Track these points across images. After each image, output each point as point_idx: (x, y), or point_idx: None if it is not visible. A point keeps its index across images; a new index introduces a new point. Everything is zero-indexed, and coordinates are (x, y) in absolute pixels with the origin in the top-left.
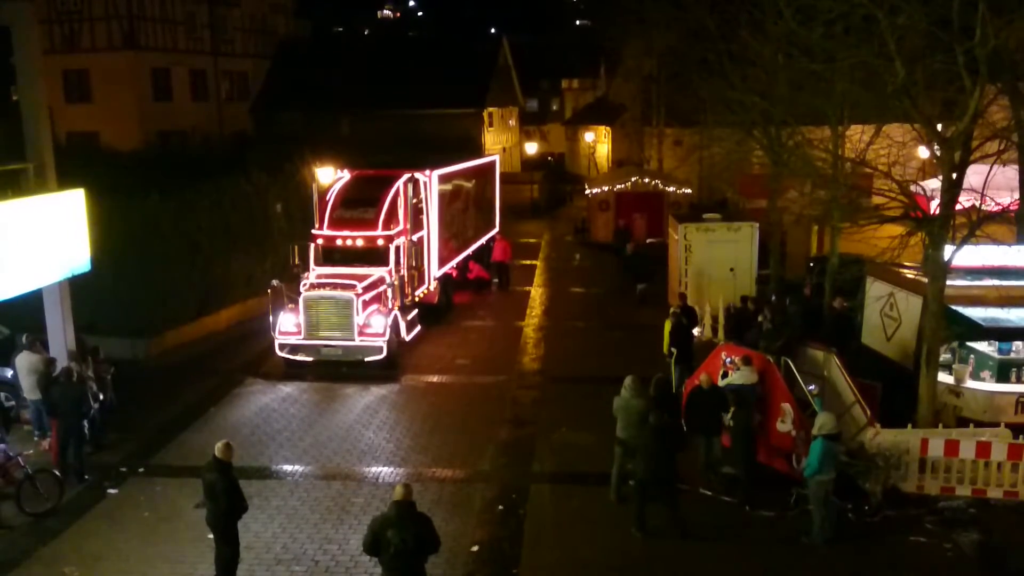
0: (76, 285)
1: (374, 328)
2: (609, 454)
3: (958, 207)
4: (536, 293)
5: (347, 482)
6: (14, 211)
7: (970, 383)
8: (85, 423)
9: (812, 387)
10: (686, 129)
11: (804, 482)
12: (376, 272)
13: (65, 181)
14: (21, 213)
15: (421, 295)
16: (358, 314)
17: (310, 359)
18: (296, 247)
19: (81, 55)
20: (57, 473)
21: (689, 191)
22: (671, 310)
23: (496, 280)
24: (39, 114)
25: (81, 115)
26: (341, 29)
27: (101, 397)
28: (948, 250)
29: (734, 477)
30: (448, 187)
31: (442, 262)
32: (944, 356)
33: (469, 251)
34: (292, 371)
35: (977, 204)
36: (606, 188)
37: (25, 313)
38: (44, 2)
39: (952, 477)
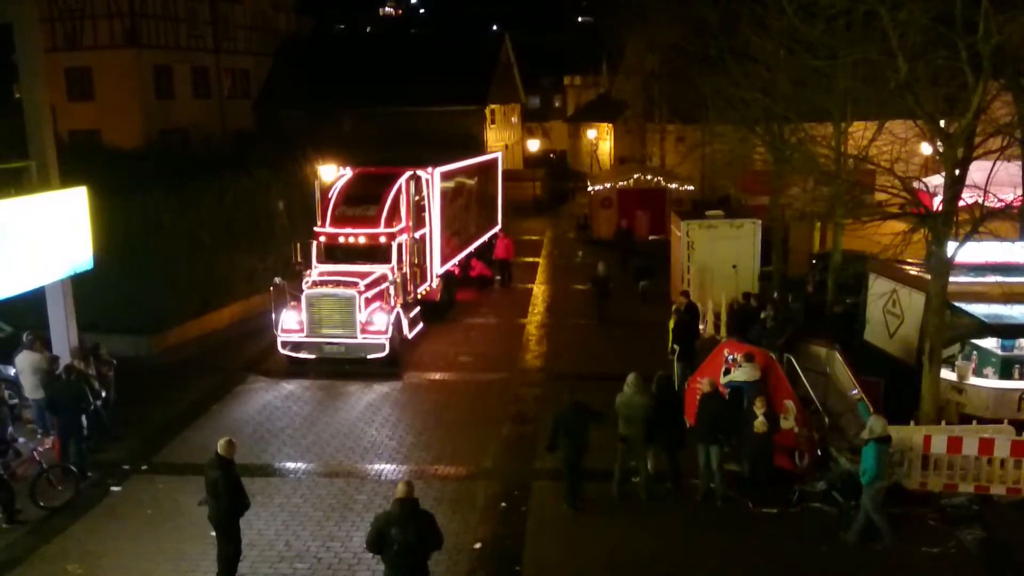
0: (79, 283)
1: (376, 326)
2: (611, 451)
3: (961, 203)
4: (538, 290)
5: (350, 479)
6: (16, 209)
7: (973, 380)
8: (84, 420)
9: (855, 391)
10: (688, 126)
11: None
12: (378, 269)
13: (67, 179)
14: (23, 211)
15: (423, 292)
16: (360, 312)
17: (312, 357)
18: (298, 244)
19: (83, 53)
20: (72, 468)
21: (692, 188)
22: (674, 307)
23: (498, 277)
24: (41, 112)
25: (83, 113)
26: (343, 26)
27: (103, 394)
28: (951, 246)
29: (738, 474)
30: (450, 184)
31: (444, 259)
32: (947, 353)
33: (471, 248)
34: (294, 369)
35: (980, 200)
36: (608, 185)
37: (28, 311)
38: (46, 0)
39: (955, 474)
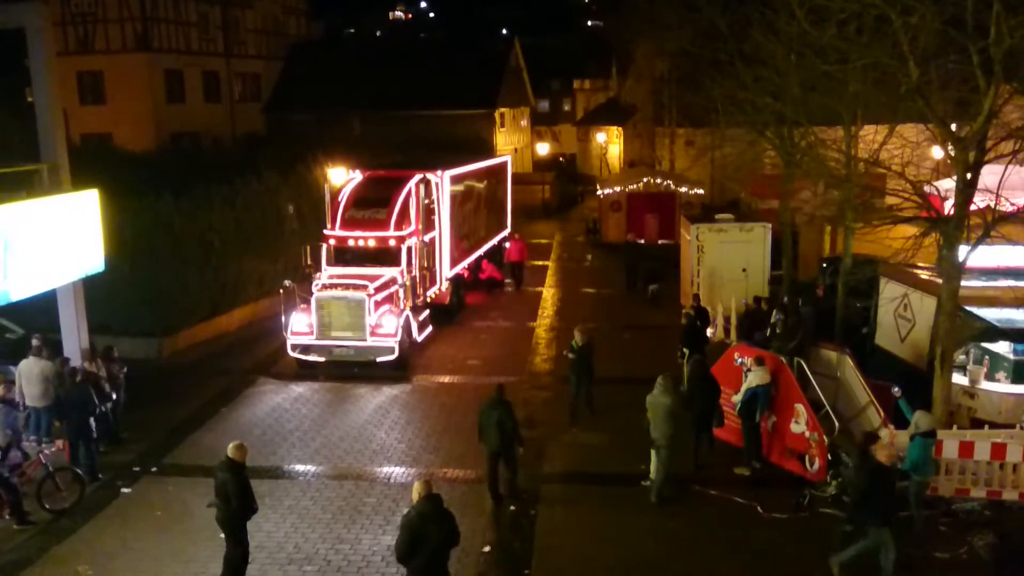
0: (90, 285)
1: (386, 328)
2: (616, 455)
3: (973, 207)
4: (548, 294)
5: (359, 482)
6: (28, 212)
7: (985, 384)
8: (92, 422)
9: (896, 388)
10: (698, 130)
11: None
12: (388, 272)
13: (79, 182)
14: (35, 214)
15: (433, 295)
16: (370, 314)
17: (322, 359)
18: (308, 247)
19: (95, 57)
20: (79, 471)
21: (701, 192)
22: (684, 311)
23: (510, 280)
24: (53, 115)
25: (95, 116)
26: (353, 31)
27: (114, 396)
28: (963, 251)
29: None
30: (460, 187)
31: (454, 263)
32: (959, 357)
33: (481, 252)
34: (304, 371)
35: (992, 204)
36: (618, 189)
37: (38, 314)
38: (58, 4)
39: (967, 478)
